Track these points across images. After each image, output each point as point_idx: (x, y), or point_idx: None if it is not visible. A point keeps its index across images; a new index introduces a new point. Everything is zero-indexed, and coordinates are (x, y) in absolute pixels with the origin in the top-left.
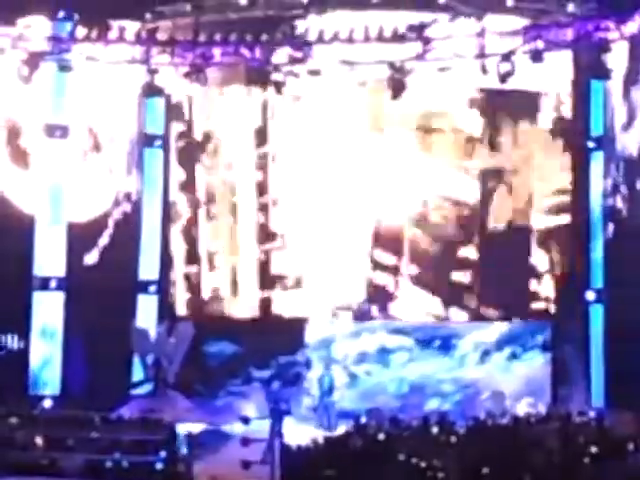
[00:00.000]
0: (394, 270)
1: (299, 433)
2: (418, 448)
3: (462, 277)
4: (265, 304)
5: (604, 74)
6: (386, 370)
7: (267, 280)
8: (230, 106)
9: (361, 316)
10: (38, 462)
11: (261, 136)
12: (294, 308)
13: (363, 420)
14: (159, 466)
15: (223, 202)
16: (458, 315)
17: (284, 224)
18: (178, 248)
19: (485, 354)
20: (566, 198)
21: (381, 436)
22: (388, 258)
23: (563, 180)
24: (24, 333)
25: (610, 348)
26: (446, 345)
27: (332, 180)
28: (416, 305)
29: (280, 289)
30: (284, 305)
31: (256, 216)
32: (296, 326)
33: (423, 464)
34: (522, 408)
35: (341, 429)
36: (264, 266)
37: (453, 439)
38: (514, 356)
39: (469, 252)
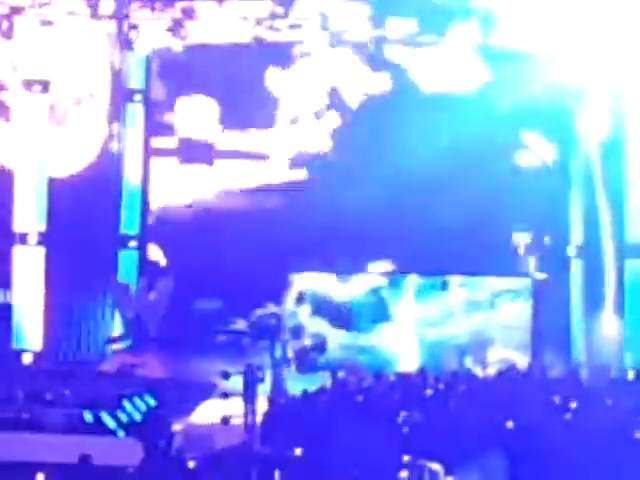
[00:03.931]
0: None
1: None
2: (398, 401)
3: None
4: None
5: None
6: (368, 321)
7: None
8: None
9: None
10: (18, 416)
11: None
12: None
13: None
14: (139, 420)
15: None
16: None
17: None
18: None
19: (468, 307)
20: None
21: (360, 390)
22: None
23: None
24: (4, 288)
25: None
26: (430, 297)
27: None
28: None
29: None
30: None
31: None
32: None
33: (402, 418)
34: (503, 362)
35: (320, 383)
36: None
37: (434, 393)
38: (496, 310)
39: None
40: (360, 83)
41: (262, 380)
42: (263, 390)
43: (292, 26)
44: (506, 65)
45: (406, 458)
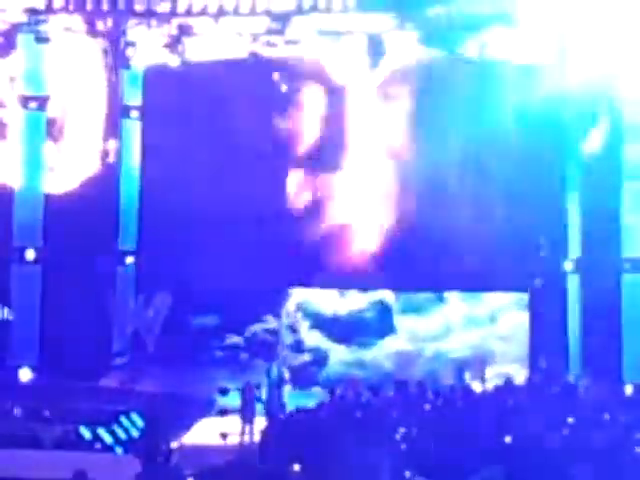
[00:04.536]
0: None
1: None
2: (396, 417)
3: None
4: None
5: None
6: (370, 337)
7: None
8: None
9: None
10: (16, 433)
11: None
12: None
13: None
14: (137, 437)
15: None
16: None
17: None
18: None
19: (467, 322)
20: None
21: (358, 405)
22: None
23: None
24: (2, 304)
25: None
26: (429, 312)
27: None
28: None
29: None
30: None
31: None
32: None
33: (400, 432)
34: (501, 376)
35: (319, 398)
36: None
37: (432, 407)
38: (495, 324)
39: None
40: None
41: (259, 399)
42: (261, 407)
43: (289, 42)
44: (505, 74)
45: (405, 474)
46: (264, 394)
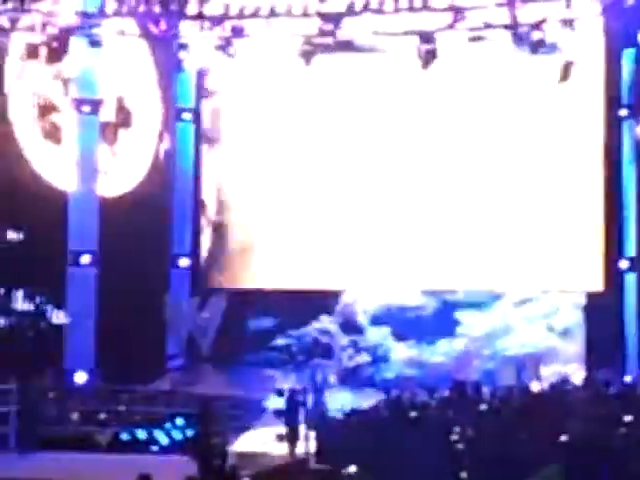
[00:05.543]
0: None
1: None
2: (452, 417)
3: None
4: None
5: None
6: (429, 335)
7: None
8: None
9: None
10: (72, 436)
11: None
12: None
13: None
14: (193, 439)
15: None
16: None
17: None
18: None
19: (524, 321)
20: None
21: (414, 406)
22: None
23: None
24: (59, 307)
25: None
26: (487, 311)
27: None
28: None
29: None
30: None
31: None
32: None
33: (456, 434)
34: (557, 375)
35: (374, 400)
36: None
37: (488, 407)
38: (551, 324)
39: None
40: None
41: (304, 403)
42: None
43: (340, 43)
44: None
45: (461, 474)
46: (309, 399)
